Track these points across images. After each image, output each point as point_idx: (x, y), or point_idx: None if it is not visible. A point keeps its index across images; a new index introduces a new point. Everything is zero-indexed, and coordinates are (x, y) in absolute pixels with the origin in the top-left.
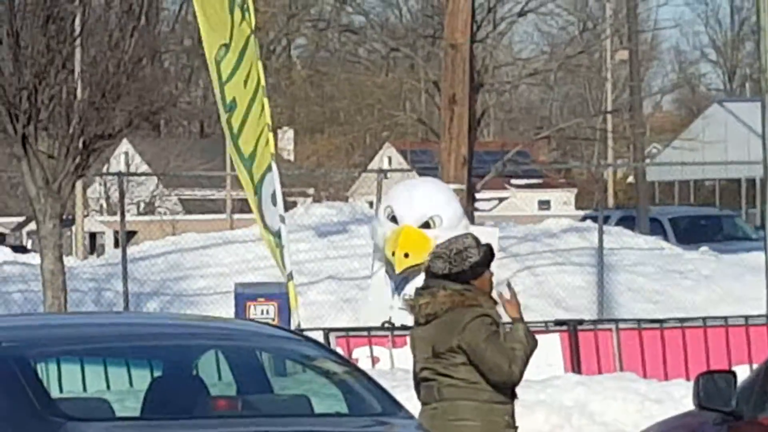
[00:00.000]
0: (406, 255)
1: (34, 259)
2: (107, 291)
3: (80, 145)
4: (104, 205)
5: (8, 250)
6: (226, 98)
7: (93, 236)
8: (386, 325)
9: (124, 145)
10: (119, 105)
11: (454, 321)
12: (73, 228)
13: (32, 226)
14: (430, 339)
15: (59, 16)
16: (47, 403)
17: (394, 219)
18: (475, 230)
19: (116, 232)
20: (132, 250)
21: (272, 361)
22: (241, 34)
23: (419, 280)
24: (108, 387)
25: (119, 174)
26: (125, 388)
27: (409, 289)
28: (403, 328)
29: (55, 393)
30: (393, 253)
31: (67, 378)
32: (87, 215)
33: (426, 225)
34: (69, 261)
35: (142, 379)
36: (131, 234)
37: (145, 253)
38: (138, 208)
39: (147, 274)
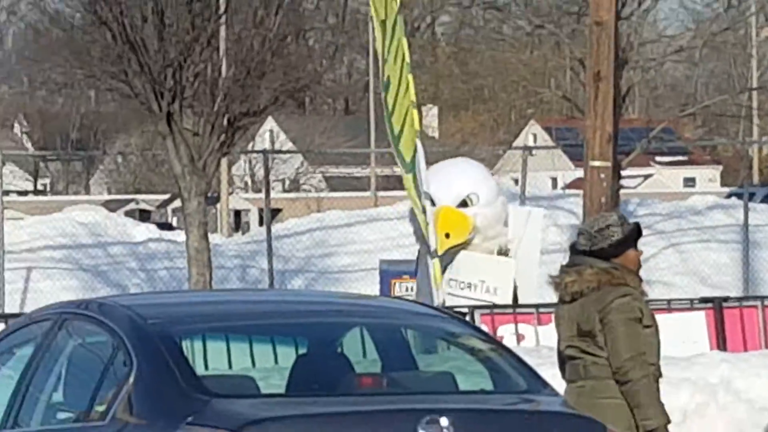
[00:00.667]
0: (447, 235)
1: (179, 236)
2: (252, 268)
3: (225, 122)
4: (249, 183)
5: (153, 227)
6: (384, 75)
7: (238, 214)
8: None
9: (269, 123)
10: (264, 82)
11: (599, 299)
12: (218, 205)
13: (177, 203)
14: (575, 317)
15: None
16: (192, 381)
17: (432, 202)
18: (512, 208)
19: (261, 210)
20: (277, 228)
21: (417, 339)
22: (392, 10)
23: (461, 262)
24: (253, 364)
25: (264, 151)
26: (270, 366)
27: (453, 273)
28: (548, 305)
29: (200, 370)
30: None
31: (213, 355)
32: (232, 193)
33: (463, 204)
34: (214, 238)
35: (287, 356)
36: (276, 211)
37: (289, 230)
38: (283, 185)
39: (292, 252)
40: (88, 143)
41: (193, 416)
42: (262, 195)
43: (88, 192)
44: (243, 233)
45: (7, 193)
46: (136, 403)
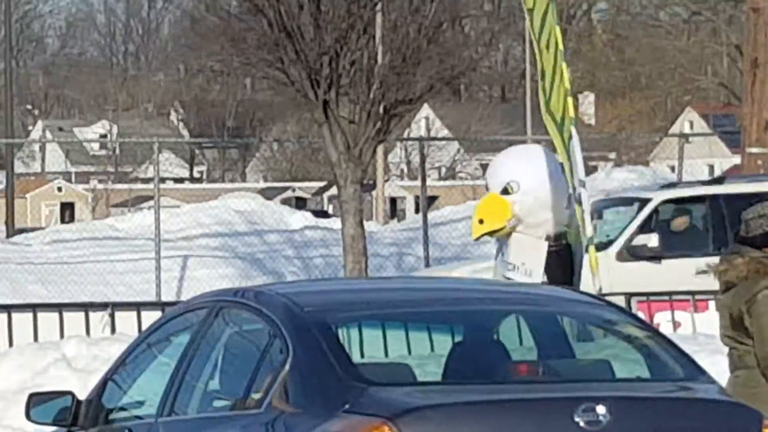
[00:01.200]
0: (481, 221)
1: (335, 223)
2: (408, 256)
3: (381, 110)
4: (405, 170)
5: (309, 214)
6: (539, 63)
7: (393, 201)
8: None
9: (425, 110)
10: (420, 70)
11: (747, 289)
12: (374, 193)
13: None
14: (728, 307)
15: None
16: (349, 368)
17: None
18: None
19: (417, 197)
20: (433, 215)
21: (573, 326)
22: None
23: (511, 245)
24: (409, 352)
25: (420, 139)
26: (426, 353)
27: (510, 257)
28: (705, 292)
29: (356, 358)
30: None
31: (369, 343)
32: (387, 180)
33: (506, 191)
34: (369, 226)
35: (443, 343)
36: (432, 199)
37: (445, 218)
38: (439, 172)
39: (448, 239)
40: (244, 131)
41: (349, 404)
42: (418, 182)
43: (244, 179)
44: (399, 221)
45: (163, 180)
46: (292, 390)
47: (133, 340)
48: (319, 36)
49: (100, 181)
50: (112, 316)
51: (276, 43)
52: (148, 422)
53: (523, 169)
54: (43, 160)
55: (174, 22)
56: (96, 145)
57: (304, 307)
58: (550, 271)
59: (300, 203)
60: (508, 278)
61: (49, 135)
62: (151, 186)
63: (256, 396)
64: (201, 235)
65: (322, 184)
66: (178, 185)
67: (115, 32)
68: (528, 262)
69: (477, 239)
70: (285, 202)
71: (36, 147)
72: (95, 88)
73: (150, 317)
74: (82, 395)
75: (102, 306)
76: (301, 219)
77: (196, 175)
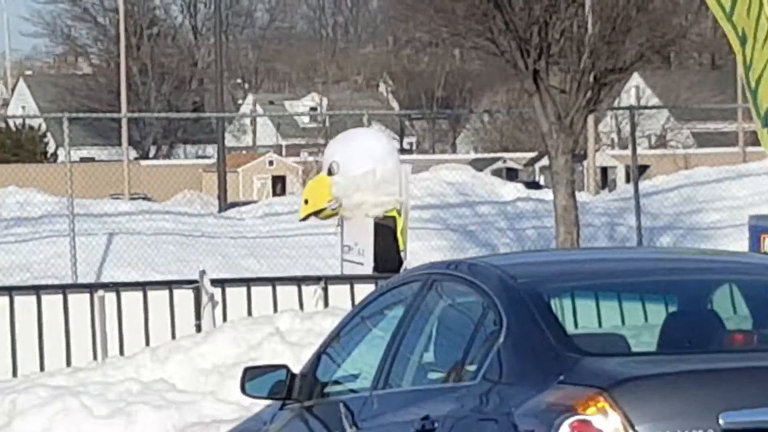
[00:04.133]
0: (306, 201)
1: (546, 194)
2: (620, 226)
3: (591, 79)
4: (615, 140)
5: (521, 186)
6: (738, 28)
7: (604, 171)
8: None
9: (635, 79)
10: (629, 38)
11: None
12: (585, 163)
13: (544, 161)
14: None
15: None
16: (563, 339)
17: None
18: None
19: (628, 167)
20: (644, 185)
21: None
22: None
23: (346, 226)
24: (623, 322)
25: (630, 108)
26: (640, 323)
27: (345, 239)
28: None
29: (570, 329)
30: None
31: (582, 313)
32: (598, 150)
33: (330, 172)
34: (581, 196)
35: (657, 313)
36: (643, 168)
37: (657, 187)
38: (649, 141)
39: (660, 209)
40: (454, 102)
41: (564, 375)
42: (629, 152)
43: (454, 151)
44: (610, 190)
45: None
46: (506, 362)
47: (347, 314)
48: (529, 5)
49: (310, 154)
50: (325, 289)
51: (485, 13)
52: (363, 395)
53: (343, 150)
54: (254, 133)
55: None
56: (306, 118)
57: (518, 278)
58: (376, 248)
59: (511, 174)
60: (347, 260)
61: (259, 109)
62: None
63: (471, 368)
64: (412, 207)
65: (533, 154)
66: None
67: (325, 5)
68: (360, 242)
69: (303, 219)
70: (496, 173)
71: (247, 121)
72: (305, 61)
73: (363, 290)
74: (296, 368)
75: (315, 279)
76: (512, 190)
77: (405, 146)
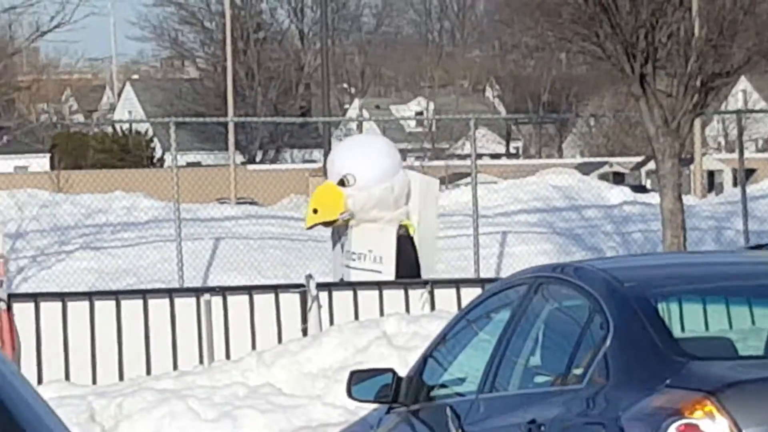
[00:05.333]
0: (315, 211)
1: (653, 198)
2: (727, 230)
3: (698, 83)
4: (722, 143)
5: (627, 189)
6: None
7: (711, 174)
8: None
9: (742, 83)
10: (736, 42)
11: None
12: (691, 167)
13: (651, 165)
14: None
15: None
16: (670, 343)
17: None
18: (414, 177)
19: (734, 170)
20: (751, 188)
21: None
22: None
23: (354, 234)
24: (730, 326)
25: (738, 111)
26: (747, 327)
27: (353, 246)
28: None
29: (677, 332)
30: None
31: (689, 317)
32: (705, 154)
33: (342, 183)
34: (688, 200)
35: (765, 317)
36: (750, 172)
37: (764, 191)
38: (756, 145)
39: (767, 212)
40: (560, 106)
41: (670, 379)
42: (736, 155)
43: (561, 155)
44: (717, 194)
45: (480, 156)
46: (612, 365)
47: (453, 317)
48: (635, 9)
49: (416, 158)
50: (431, 293)
51: (591, 17)
52: (469, 399)
53: (360, 163)
54: None
55: None
56: (412, 123)
57: (624, 282)
58: (400, 256)
59: (617, 178)
60: (354, 267)
61: (365, 113)
62: (467, 162)
63: (577, 371)
64: (519, 210)
65: (639, 158)
66: (495, 161)
67: (431, 10)
68: (376, 249)
69: (309, 228)
70: (602, 177)
71: (353, 125)
72: (411, 66)
73: (469, 294)
74: (402, 372)
75: (421, 283)
76: (619, 194)
77: (512, 150)
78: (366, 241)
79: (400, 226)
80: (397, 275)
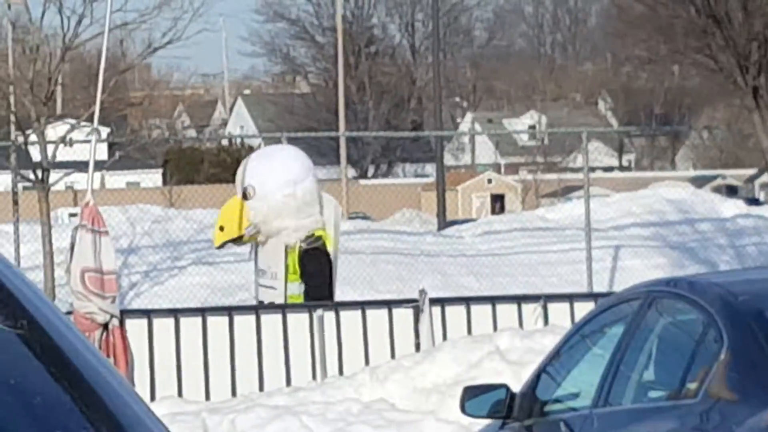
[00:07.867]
0: (221, 228)
1: (767, 211)
2: None
3: None
4: None
5: (741, 202)
6: None
7: None
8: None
9: None
10: None
11: None
12: None
13: (765, 178)
14: None
15: None
16: None
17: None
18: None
19: None
20: None
21: None
22: None
23: (262, 254)
24: None
25: None
26: None
27: (259, 262)
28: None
29: None
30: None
31: None
32: None
33: (245, 196)
34: None
35: None
36: None
37: None
38: None
39: None
40: (673, 118)
41: None
42: None
43: (673, 167)
44: None
45: (592, 170)
46: (727, 379)
47: (567, 332)
48: (748, 21)
49: (529, 172)
50: (544, 307)
51: (704, 29)
52: (583, 414)
53: (260, 172)
54: (472, 152)
55: (601, 11)
56: (525, 136)
57: (739, 295)
58: (305, 271)
59: (731, 191)
60: (261, 285)
61: (478, 127)
62: (580, 175)
63: (692, 386)
64: (632, 224)
65: (753, 171)
66: (608, 174)
67: (543, 23)
68: (272, 266)
69: (219, 247)
70: (716, 190)
71: (465, 139)
72: (523, 79)
73: (582, 308)
74: (515, 387)
75: (534, 298)
76: (732, 207)
77: (624, 163)
78: (267, 258)
79: (315, 238)
80: (306, 292)
